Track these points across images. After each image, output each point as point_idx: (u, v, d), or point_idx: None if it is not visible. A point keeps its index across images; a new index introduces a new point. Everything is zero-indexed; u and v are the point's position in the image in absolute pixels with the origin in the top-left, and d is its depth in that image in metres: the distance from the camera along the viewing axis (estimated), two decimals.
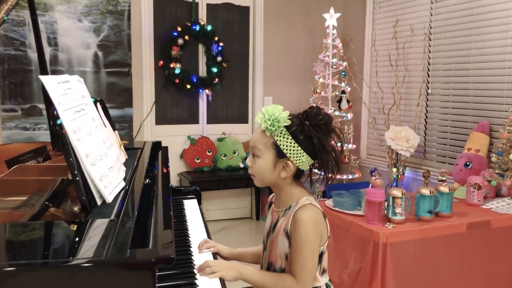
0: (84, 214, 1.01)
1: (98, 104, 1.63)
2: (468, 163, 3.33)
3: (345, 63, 4.36)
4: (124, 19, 4.16)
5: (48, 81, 1.03)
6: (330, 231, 1.39)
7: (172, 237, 1.00)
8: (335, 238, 2.63)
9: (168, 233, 1.02)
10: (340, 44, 4.33)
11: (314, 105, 1.45)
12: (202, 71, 4.57)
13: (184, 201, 2.07)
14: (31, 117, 3.93)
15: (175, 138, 4.50)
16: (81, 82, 1.37)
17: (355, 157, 4.48)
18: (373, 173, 2.59)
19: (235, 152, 4.56)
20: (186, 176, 4.38)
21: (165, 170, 1.77)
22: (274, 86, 4.80)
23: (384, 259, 2.37)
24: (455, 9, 3.69)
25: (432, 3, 3.90)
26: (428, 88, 3.98)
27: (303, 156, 1.36)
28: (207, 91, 4.54)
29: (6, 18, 1.46)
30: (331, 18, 4.31)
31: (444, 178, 2.72)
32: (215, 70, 4.49)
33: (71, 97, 1.13)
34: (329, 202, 2.79)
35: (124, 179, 1.34)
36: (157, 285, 1.11)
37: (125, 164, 1.59)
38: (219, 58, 4.50)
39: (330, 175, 1.39)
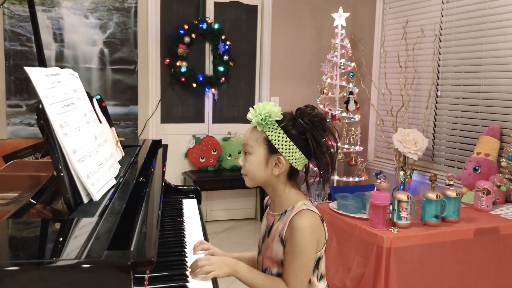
0: (68, 212, 0.96)
1: (94, 100, 1.58)
2: (477, 168, 3.25)
3: (353, 64, 4.29)
4: (130, 16, 4.13)
5: (34, 73, 0.99)
6: (328, 235, 1.33)
7: (156, 238, 0.95)
8: (338, 241, 2.58)
9: (153, 233, 0.97)
10: (349, 45, 4.26)
11: (309, 105, 1.40)
12: (209, 69, 4.53)
13: (183, 200, 2.03)
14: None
15: (180, 137, 4.47)
16: (74, 76, 1.33)
17: (362, 160, 4.41)
18: (378, 176, 2.52)
19: (240, 152, 4.51)
20: (190, 175, 4.34)
21: (163, 169, 1.72)
22: (281, 86, 4.75)
23: (387, 264, 2.31)
24: (467, 10, 3.61)
25: (443, 3, 3.83)
26: (437, 91, 3.91)
27: (295, 152, 1.31)
28: (213, 90, 4.50)
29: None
30: (340, 18, 4.25)
31: (451, 182, 2.65)
32: (221, 69, 4.45)
33: (59, 91, 1.09)
34: (333, 205, 2.73)
35: (117, 177, 1.29)
36: (147, 287, 1.06)
37: (120, 161, 1.54)
38: (225, 57, 4.46)
39: (326, 175, 1.33)
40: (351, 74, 4.33)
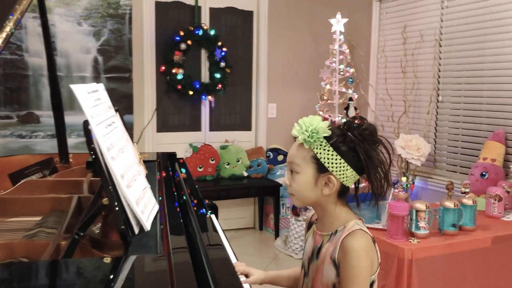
0: (124, 246, 0.87)
1: (117, 113, 1.48)
2: (484, 173, 3.24)
3: (352, 70, 4.25)
4: (125, 23, 4.01)
5: (79, 90, 0.89)
6: (380, 258, 1.26)
7: (233, 271, 0.86)
8: None
9: (231, 271, 0.87)
10: (347, 50, 4.22)
11: (357, 116, 1.32)
12: (205, 76, 4.44)
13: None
14: (28, 124, 3.76)
15: (177, 146, 4.35)
16: (105, 91, 1.23)
17: None
18: (396, 185, 2.48)
19: (238, 161, 4.43)
20: None
21: (188, 190, 1.63)
22: (278, 92, 4.68)
23: (409, 277, 2.25)
24: (467, 14, 3.60)
25: (442, 8, 3.82)
26: (438, 96, 3.89)
27: (347, 170, 1.23)
28: (210, 97, 4.40)
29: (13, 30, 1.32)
30: (338, 23, 4.21)
31: (467, 190, 2.62)
32: (218, 76, 4.36)
33: (101, 109, 0.99)
34: None
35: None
36: None
37: (148, 180, 1.44)
38: (222, 64, 4.37)
39: (380, 191, 1.26)
40: (350, 80, 4.29)
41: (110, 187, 0.86)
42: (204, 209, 1.75)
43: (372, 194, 1.27)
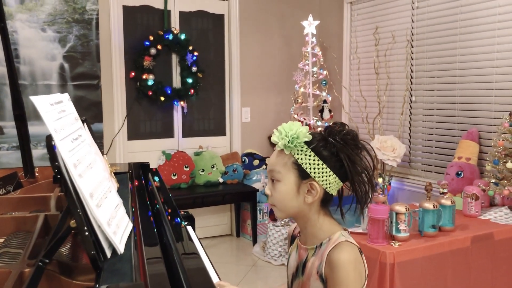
0: (95, 272, 0.78)
1: (85, 124, 1.39)
2: (459, 172, 3.25)
3: (325, 72, 4.23)
4: (92, 28, 3.88)
5: (40, 102, 0.80)
6: (368, 269, 1.20)
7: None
8: None
9: (207, 282, 0.81)
10: (320, 52, 4.20)
11: (338, 122, 1.27)
12: (177, 82, 4.34)
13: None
14: None
15: (149, 153, 4.24)
16: (70, 101, 1.14)
17: None
18: (375, 188, 2.44)
19: (213, 167, 4.34)
20: None
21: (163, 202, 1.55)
22: (252, 96, 4.62)
23: (392, 280, 2.22)
24: (438, 15, 3.63)
25: (413, 9, 3.84)
26: (411, 96, 3.91)
27: (330, 176, 1.18)
28: (182, 103, 4.30)
29: None
30: (310, 25, 4.18)
31: (445, 190, 2.61)
32: (190, 80, 4.27)
33: (66, 122, 0.90)
34: None
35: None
36: None
37: (120, 194, 1.35)
38: (194, 68, 4.28)
39: (364, 198, 1.21)
40: (324, 82, 4.27)
41: (78, 210, 0.77)
42: (178, 218, 1.67)
43: (355, 199, 1.22)
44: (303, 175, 1.18)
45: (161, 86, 4.17)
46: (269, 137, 1.14)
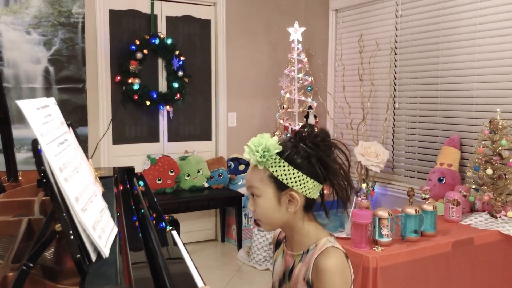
0: (80, 276, 0.79)
1: (70, 128, 1.39)
2: (441, 178, 3.31)
3: (310, 78, 4.28)
4: (77, 31, 3.86)
5: (27, 107, 0.81)
6: (353, 273, 1.22)
7: None
8: None
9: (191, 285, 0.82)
10: (306, 59, 4.24)
11: (306, 124, 1.29)
12: (163, 86, 4.34)
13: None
14: None
15: (134, 158, 4.22)
16: (56, 105, 1.14)
17: None
18: (359, 193, 2.48)
19: (199, 171, 4.34)
20: None
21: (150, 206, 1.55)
22: (238, 101, 4.64)
23: (374, 285, 2.26)
24: (421, 23, 3.70)
25: (397, 17, 3.91)
26: (395, 103, 3.97)
27: (307, 181, 1.19)
28: (168, 107, 4.30)
29: None
30: (296, 32, 4.22)
31: (427, 196, 2.66)
32: (176, 85, 4.27)
33: (52, 126, 0.91)
34: None
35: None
36: None
37: (105, 199, 1.36)
38: (180, 73, 4.29)
39: (345, 197, 1.23)
40: (309, 88, 4.31)
41: (64, 214, 0.78)
42: (163, 223, 1.68)
43: (337, 200, 1.24)
44: (281, 186, 1.19)
45: (147, 90, 4.17)
46: None
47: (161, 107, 4.29)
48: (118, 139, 4.21)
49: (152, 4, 4.24)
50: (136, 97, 4.14)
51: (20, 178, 1.92)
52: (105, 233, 0.93)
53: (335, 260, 1.16)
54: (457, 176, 3.33)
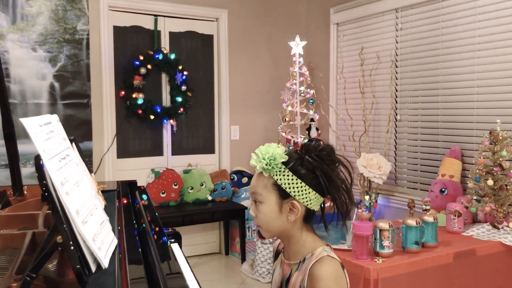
0: (80, 286, 0.82)
1: (73, 143, 1.43)
2: (443, 189, 3.32)
3: (312, 91, 4.32)
4: (82, 48, 3.94)
5: (30, 124, 0.85)
6: (349, 283, 1.24)
7: None
8: None
9: None
10: (307, 72, 4.29)
11: (314, 138, 1.33)
12: (166, 100, 4.39)
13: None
14: None
15: (138, 171, 4.26)
16: (59, 122, 1.18)
17: None
18: (359, 205, 2.50)
19: (202, 184, 4.37)
20: None
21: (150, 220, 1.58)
22: (240, 114, 4.69)
23: None
24: (421, 36, 3.74)
25: (397, 30, 3.95)
26: (396, 115, 3.99)
27: (309, 193, 1.22)
28: (171, 121, 4.35)
29: None
30: (297, 46, 4.28)
31: (428, 207, 2.67)
32: (179, 99, 4.33)
33: (55, 142, 0.95)
34: None
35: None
36: None
37: (106, 212, 1.39)
38: (183, 87, 4.35)
39: (345, 211, 1.25)
40: (311, 101, 4.35)
41: (65, 225, 0.81)
42: (165, 237, 1.71)
43: (337, 214, 1.27)
44: (283, 195, 1.23)
45: (150, 105, 4.22)
46: None
47: (165, 121, 4.34)
48: (122, 153, 4.26)
49: (156, 20, 4.32)
50: (140, 112, 4.19)
51: (25, 192, 1.95)
52: (104, 244, 0.96)
53: (330, 268, 1.18)
54: (459, 187, 3.34)
